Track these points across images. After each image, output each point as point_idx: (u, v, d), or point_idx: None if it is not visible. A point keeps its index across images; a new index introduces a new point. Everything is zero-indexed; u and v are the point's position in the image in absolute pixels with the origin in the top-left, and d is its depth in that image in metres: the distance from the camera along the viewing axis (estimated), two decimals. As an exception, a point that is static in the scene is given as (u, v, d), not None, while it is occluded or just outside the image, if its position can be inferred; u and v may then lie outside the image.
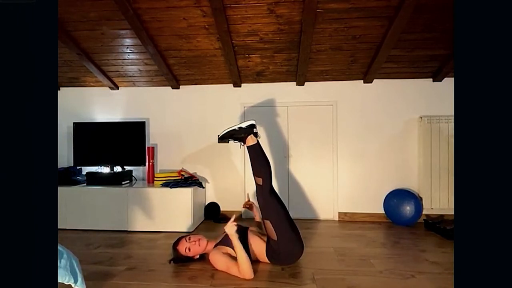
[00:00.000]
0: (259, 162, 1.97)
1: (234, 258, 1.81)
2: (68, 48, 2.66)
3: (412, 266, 1.91)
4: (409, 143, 3.05)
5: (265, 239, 1.92)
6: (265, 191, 1.91)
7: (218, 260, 1.83)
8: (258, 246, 1.91)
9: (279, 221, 1.85)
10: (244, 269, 1.73)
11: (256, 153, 1.99)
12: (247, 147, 2.01)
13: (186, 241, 1.95)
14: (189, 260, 1.98)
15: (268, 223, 1.86)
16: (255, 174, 1.95)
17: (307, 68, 2.87)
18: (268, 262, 1.92)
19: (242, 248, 1.78)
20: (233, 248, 1.85)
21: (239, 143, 2.10)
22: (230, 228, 1.83)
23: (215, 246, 1.94)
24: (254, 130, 2.04)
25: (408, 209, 2.80)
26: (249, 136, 2.01)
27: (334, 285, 1.66)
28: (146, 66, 2.97)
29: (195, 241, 1.95)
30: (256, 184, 1.94)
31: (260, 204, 1.93)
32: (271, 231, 1.85)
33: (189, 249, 1.93)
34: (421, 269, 1.86)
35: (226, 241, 1.91)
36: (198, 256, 1.99)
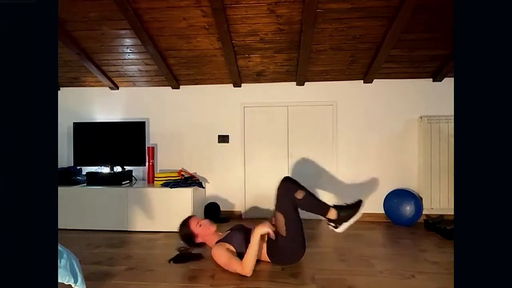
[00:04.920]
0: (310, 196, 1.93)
1: (235, 255, 1.83)
2: (68, 48, 2.66)
3: (412, 266, 1.91)
4: (409, 143, 3.05)
5: (265, 238, 1.93)
6: (293, 194, 1.89)
7: (221, 254, 1.83)
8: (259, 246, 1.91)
9: (292, 218, 1.86)
10: (248, 264, 1.74)
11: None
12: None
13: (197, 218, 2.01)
14: (190, 258, 1.98)
15: (280, 217, 1.85)
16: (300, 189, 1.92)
17: (307, 68, 2.87)
18: (268, 261, 1.92)
19: (257, 241, 1.79)
20: (233, 245, 1.86)
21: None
22: (263, 228, 1.80)
23: (218, 242, 1.94)
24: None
25: (408, 209, 2.80)
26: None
27: (334, 285, 1.66)
28: (146, 66, 2.97)
29: (205, 223, 2.00)
30: (296, 196, 1.88)
31: (280, 194, 1.91)
32: (281, 226, 1.85)
33: (200, 225, 1.97)
34: (421, 269, 1.86)
35: (229, 238, 1.92)
36: (201, 241, 2.00)
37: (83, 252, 2.20)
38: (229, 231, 2.01)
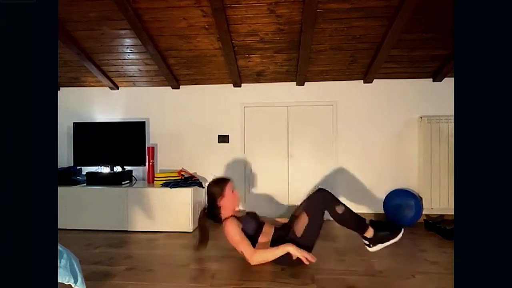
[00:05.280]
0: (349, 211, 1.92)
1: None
2: (68, 48, 2.66)
3: (412, 266, 1.91)
4: (409, 143, 3.05)
5: (272, 232, 1.95)
6: (334, 206, 1.88)
7: (237, 231, 1.86)
8: (265, 239, 1.93)
9: (315, 225, 1.85)
10: (259, 257, 1.81)
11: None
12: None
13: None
14: (216, 217, 2.00)
15: (305, 218, 1.85)
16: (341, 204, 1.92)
17: (307, 68, 2.87)
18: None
19: (280, 254, 1.81)
20: (244, 229, 1.88)
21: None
22: (296, 251, 1.78)
23: (233, 216, 1.95)
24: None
25: (408, 209, 2.80)
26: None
27: (334, 285, 1.66)
28: (146, 66, 2.97)
29: (237, 195, 2.04)
30: (337, 210, 1.87)
31: (317, 199, 1.90)
32: (301, 227, 1.85)
33: (233, 192, 2.00)
34: (421, 269, 1.86)
35: (243, 221, 1.94)
36: (221, 206, 1.99)
37: (83, 252, 2.19)
38: (244, 215, 2.02)
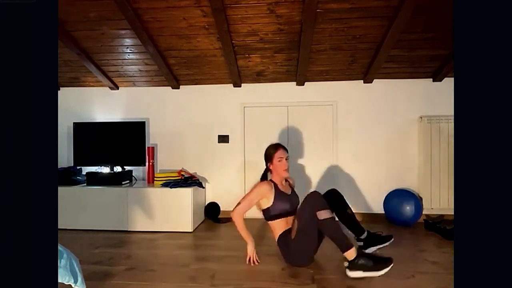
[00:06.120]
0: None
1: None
2: (68, 48, 2.66)
3: (412, 266, 1.91)
4: (409, 143, 3.05)
5: (290, 223, 1.96)
6: (314, 211, 1.78)
7: (257, 191, 1.95)
8: (280, 227, 1.96)
9: (304, 231, 1.78)
10: (237, 222, 1.95)
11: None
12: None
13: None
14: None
15: (295, 221, 1.84)
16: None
17: (307, 68, 2.87)
18: (275, 239, 1.98)
19: (243, 232, 1.97)
20: (274, 201, 1.94)
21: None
22: (249, 251, 1.97)
23: (275, 184, 2.00)
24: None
25: (408, 209, 2.80)
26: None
27: (334, 285, 1.66)
28: (146, 66, 2.97)
29: (285, 165, 2.04)
30: (317, 215, 1.72)
31: (303, 203, 1.83)
32: (294, 229, 1.85)
33: (279, 161, 2.02)
34: (421, 269, 1.86)
35: (280, 195, 1.97)
36: (270, 168, 2.07)
37: (83, 252, 2.19)
38: (288, 194, 2.03)
